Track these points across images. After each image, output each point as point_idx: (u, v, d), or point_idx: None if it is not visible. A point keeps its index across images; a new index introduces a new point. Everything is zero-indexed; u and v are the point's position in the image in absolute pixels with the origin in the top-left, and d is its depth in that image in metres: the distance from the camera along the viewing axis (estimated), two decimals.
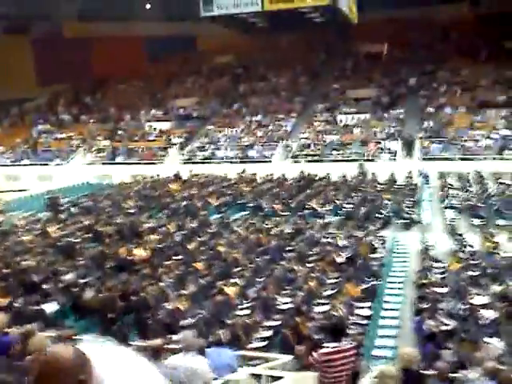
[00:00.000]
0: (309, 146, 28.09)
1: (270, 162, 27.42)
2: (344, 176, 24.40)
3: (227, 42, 37.73)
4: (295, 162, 27.20)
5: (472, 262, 12.95)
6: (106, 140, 31.56)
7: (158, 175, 26.49)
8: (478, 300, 10.41)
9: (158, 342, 4.95)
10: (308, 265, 12.99)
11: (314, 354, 4.69)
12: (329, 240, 15.06)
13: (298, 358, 6.65)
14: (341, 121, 30.15)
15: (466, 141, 26.12)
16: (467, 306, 10.10)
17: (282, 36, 35.97)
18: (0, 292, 10.47)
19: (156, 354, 4.90)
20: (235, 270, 12.49)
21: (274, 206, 19.87)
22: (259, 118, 31.94)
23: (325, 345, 4.83)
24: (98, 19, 36.77)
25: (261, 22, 31.41)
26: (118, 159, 29.75)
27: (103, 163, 29.65)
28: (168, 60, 37.96)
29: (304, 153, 27.68)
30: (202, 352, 6.05)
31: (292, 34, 34.95)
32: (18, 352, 5.09)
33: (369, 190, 21.97)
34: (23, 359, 4.88)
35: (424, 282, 11.11)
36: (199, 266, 12.80)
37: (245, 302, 10.79)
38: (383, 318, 10.43)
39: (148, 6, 37.45)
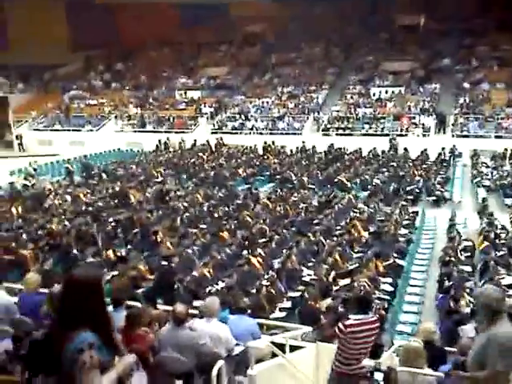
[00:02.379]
0: (340, 118, 27.74)
1: (301, 134, 27.21)
2: (375, 150, 24.09)
3: (260, 10, 37.19)
4: (325, 134, 26.94)
5: (501, 241, 12.74)
6: (136, 107, 31.74)
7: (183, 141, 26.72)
8: (505, 280, 10.27)
9: (182, 308, 5.04)
10: (334, 239, 12.97)
11: (340, 324, 4.72)
12: (356, 215, 14.96)
13: (320, 329, 6.71)
14: (374, 94, 29.62)
15: (502, 118, 25.43)
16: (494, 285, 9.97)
17: (315, 5, 35.20)
18: (32, 254, 10.83)
19: (180, 320, 5.00)
20: (261, 240, 12.56)
21: (303, 178, 19.79)
22: (290, 89, 31.61)
23: (350, 316, 4.85)
24: None
25: None
26: (148, 127, 29.95)
27: (134, 131, 29.91)
28: (200, 28, 37.66)
29: (335, 126, 27.37)
30: (224, 319, 6.21)
31: (326, 4, 34.21)
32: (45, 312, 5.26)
33: (400, 165, 21.67)
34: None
35: (450, 259, 10.99)
36: (225, 235, 12.92)
37: (269, 272, 10.87)
38: (408, 294, 10.41)
39: None
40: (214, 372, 4.66)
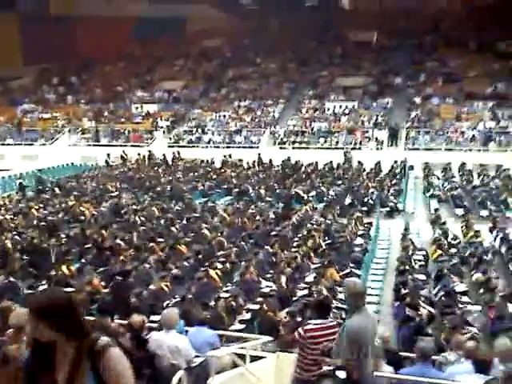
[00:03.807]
0: (296, 132, 28.09)
1: (257, 147, 27.38)
2: (330, 163, 24.46)
3: (216, 25, 37.41)
4: (282, 148, 27.19)
5: (453, 250, 13.10)
6: (91, 121, 31.24)
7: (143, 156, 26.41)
8: (458, 287, 10.55)
9: (138, 318, 4.94)
10: (292, 250, 13.02)
11: (300, 329, 4.72)
12: (314, 226, 15.09)
13: (279, 337, 6.70)
14: (328, 109, 30.16)
15: (452, 132, 26.33)
16: (447, 293, 10.22)
17: (271, 21, 35.73)
18: None
19: (136, 331, 4.90)
20: (219, 253, 12.49)
21: (260, 191, 19.87)
22: (247, 103, 31.83)
23: (309, 322, 4.86)
24: None
25: (252, 5, 31.26)
26: (103, 141, 29.49)
27: (88, 144, 29.38)
28: (156, 42, 37.57)
29: (291, 139, 27.67)
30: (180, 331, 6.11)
31: (282, 18, 34.77)
32: None
33: (354, 178, 22.05)
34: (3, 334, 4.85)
35: (405, 268, 11.21)
36: (183, 248, 12.79)
37: (228, 284, 10.81)
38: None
39: None
40: (174, 382, 4.57)
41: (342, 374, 3.52)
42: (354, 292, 4.06)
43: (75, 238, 13.35)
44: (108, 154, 26.97)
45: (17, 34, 37.12)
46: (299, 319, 7.54)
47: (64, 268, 11.04)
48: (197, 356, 5.67)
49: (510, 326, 8.24)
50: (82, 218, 15.76)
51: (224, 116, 30.64)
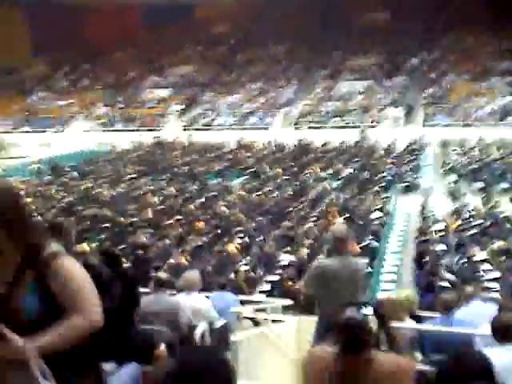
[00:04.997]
0: (310, 113, 27.89)
1: (271, 128, 27.25)
2: (345, 142, 24.26)
3: (224, 11, 37.23)
4: (296, 128, 27.05)
5: (472, 221, 12.98)
6: (104, 107, 31.35)
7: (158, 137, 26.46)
8: (478, 255, 10.45)
9: (163, 274, 4.98)
10: (309, 224, 12.99)
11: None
12: (331, 201, 15.04)
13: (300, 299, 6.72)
14: (342, 88, 29.87)
15: (468, 108, 25.94)
16: (467, 261, 10.16)
17: (280, 3, 35.22)
18: None
19: (160, 284, 4.93)
20: (236, 228, 12.51)
21: (275, 170, 19.82)
22: (259, 85, 31.67)
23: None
24: None
25: None
26: (117, 126, 29.60)
27: (102, 130, 29.51)
28: (165, 28, 37.42)
29: (305, 120, 27.50)
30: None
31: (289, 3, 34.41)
32: None
33: (370, 155, 21.88)
34: None
35: (426, 238, 11.14)
36: (200, 225, 12.84)
37: (247, 258, 10.84)
38: (383, 273, 10.47)
39: None
40: (197, 337, 4.60)
41: (368, 310, 3.48)
42: (335, 236, 4.28)
43: (93, 217, 13.44)
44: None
45: (26, 24, 37.27)
46: None
47: (85, 245, 11.17)
48: (219, 319, 5.71)
49: None
50: (100, 199, 15.88)
51: (236, 98, 30.52)
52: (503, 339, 3.48)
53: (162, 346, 2.75)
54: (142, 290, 6.53)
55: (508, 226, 12.36)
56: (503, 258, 10.09)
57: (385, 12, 35.88)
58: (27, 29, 37.11)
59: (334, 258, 4.24)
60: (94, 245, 11.39)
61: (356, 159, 21.18)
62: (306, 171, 19.54)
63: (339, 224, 4.83)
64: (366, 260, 10.55)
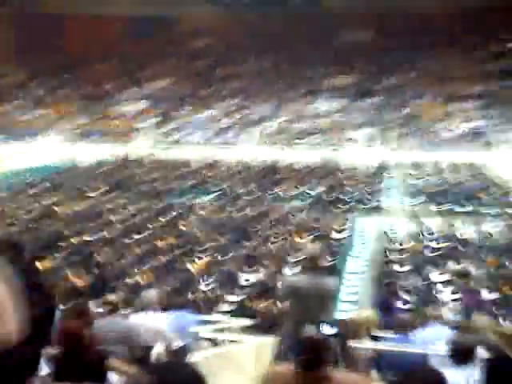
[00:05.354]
0: (284, 131, 28.14)
1: (245, 145, 27.34)
2: (313, 162, 24.45)
3: (207, 24, 37.38)
4: (268, 146, 27.21)
5: (430, 243, 13.23)
6: (80, 118, 30.95)
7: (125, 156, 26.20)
8: (436, 277, 10.64)
9: (113, 296, 4.88)
10: (271, 245, 13.01)
11: None
12: (294, 222, 15.11)
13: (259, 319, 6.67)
14: (317, 107, 30.27)
15: (434, 131, 26.58)
16: (426, 283, 10.32)
17: (262, 19, 35.63)
18: None
19: (111, 308, 4.82)
20: (198, 248, 12.41)
21: (240, 190, 19.81)
22: (236, 101, 31.86)
23: None
24: None
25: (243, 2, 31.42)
26: (93, 138, 29.19)
27: (76, 141, 29.03)
28: (147, 40, 37.30)
29: (279, 138, 27.71)
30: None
31: (274, 16, 34.80)
32: None
33: (334, 176, 22.12)
34: None
35: (384, 260, 11.28)
36: (161, 244, 12.68)
37: (208, 277, 10.74)
38: (343, 294, 10.53)
39: None
40: (153, 357, 4.50)
41: (327, 329, 3.50)
42: (308, 254, 4.37)
43: (50, 234, 13.13)
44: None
45: (8, 30, 36.68)
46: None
47: (39, 264, 10.86)
48: (176, 339, 5.60)
49: (485, 310, 8.35)
50: (59, 216, 15.53)
51: (212, 114, 30.60)
52: (458, 361, 3.53)
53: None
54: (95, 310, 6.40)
55: (467, 248, 12.64)
56: (461, 279, 10.29)
57: (365, 32, 36.41)
58: (10, 36, 36.52)
59: (304, 275, 4.27)
60: (52, 262, 11.13)
61: (323, 179, 21.39)
62: (273, 191, 19.62)
63: (311, 243, 4.98)
64: (336, 279, 10.65)
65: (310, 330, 3.09)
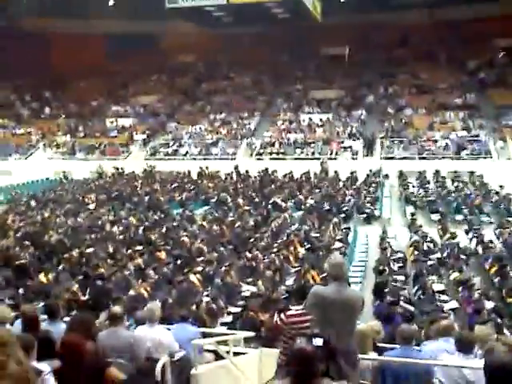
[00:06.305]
0: (272, 144, 28.24)
1: (234, 159, 27.44)
2: (307, 173, 24.61)
3: (190, 41, 37.55)
4: (258, 159, 27.31)
5: (429, 252, 13.28)
6: (66, 136, 31.01)
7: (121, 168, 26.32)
8: (436, 286, 10.70)
9: (117, 308, 4.92)
10: (271, 255, 13.04)
11: (281, 315, 4.75)
12: (292, 232, 15.15)
13: (262, 336, 6.71)
14: (304, 120, 30.45)
15: (424, 141, 26.80)
16: (425, 292, 10.36)
17: (244, 36, 35.91)
18: None
19: (115, 319, 4.87)
20: (199, 259, 12.44)
21: (238, 200, 19.88)
22: (223, 116, 31.95)
23: (291, 307, 4.90)
24: (58, 15, 35.94)
25: (225, 17, 31.65)
26: (79, 155, 29.28)
27: (63, 159, 29.12)
28: (130, 58, 37.47)
29: (267, 150, 27.82)
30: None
31: (255, 32, 35.05)
32: None
33: (331, 186, 22.23)
34: None
35: (384, 269, 11.32)
36: (162, 255, 12.71)
37: (209, 288, 10.78)
38: None
39: (111, 3, 36.70)
40: (158, 368, 4.54)
41: (318, 341, 3.53)
42: (332, 263, 4.26)
43: (52, 247, 13.15)
44: (99, 165, 26.88)
45: None
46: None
47: (41, 276, 10.91)
48: (179, 351, 5.65)
49: (486, 319, 8.39)
50: (59, 229, 15.55)
51: (200, 129, 30.69)
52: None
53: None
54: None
55: (464, 257, 12.70)
56: (460, 288, 10.34)
57: (347, 46, 36.78)
58: None
59: (332, 284, 4.21)
60: (52, 275, 11.15)
61: (317, 190, 21.48)
62: (269, 201, 19.68)
63: (334, 256, 4.85)
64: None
65: (300, 343, 3.12)
